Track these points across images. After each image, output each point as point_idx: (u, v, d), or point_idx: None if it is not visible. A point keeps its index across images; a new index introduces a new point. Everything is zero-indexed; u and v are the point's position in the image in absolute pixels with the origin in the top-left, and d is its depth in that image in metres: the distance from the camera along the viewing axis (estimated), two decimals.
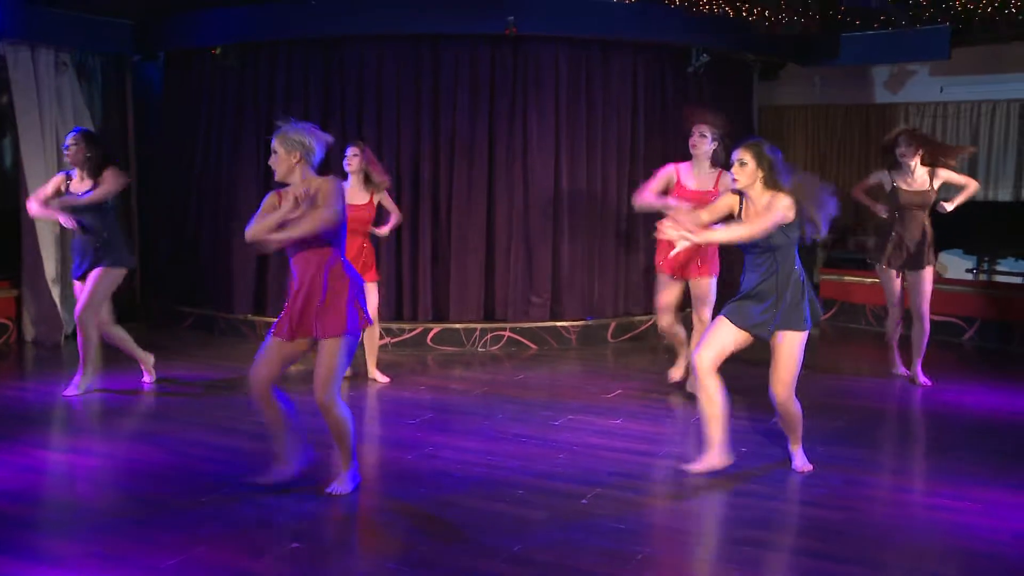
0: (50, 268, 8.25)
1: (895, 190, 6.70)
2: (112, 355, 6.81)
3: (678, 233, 4.45)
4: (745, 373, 6.57)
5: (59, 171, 6.49)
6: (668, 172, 6.23)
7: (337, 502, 4.40)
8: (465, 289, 8.42)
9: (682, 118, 6.50)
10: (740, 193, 4.66)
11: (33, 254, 8.19)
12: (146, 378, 6.68)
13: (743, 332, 4.67)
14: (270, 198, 4.39)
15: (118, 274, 6.34)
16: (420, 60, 8.30)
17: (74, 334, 8.62)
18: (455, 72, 8.30)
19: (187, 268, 9.09)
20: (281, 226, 4.22)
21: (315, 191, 4.25)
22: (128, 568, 3.62)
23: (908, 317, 6.99)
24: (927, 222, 6.70)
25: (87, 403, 6.21)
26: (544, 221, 8.50)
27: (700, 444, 4.89)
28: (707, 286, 6.28)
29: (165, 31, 8.74)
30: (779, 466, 4.94)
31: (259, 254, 8.12)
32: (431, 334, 8.27)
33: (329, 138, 4.48)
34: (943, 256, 9.30)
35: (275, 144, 4.32)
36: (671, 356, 7.02)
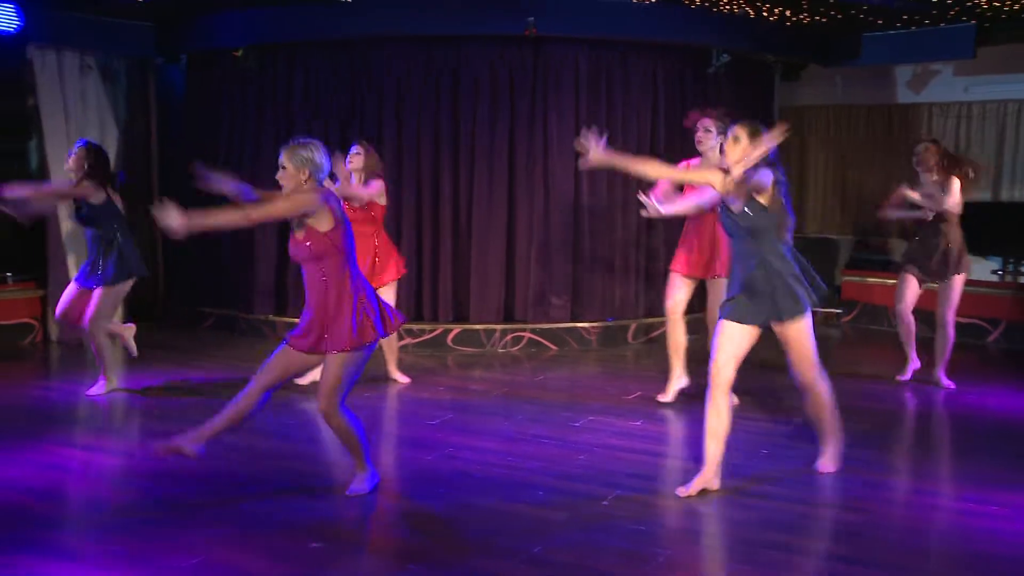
0: (74, 269, 8.31)
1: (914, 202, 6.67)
2: (131, 358, 6.85)
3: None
4: (761, 376, 6.55)
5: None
6: (680, 169, 6.16)
7: (356, 503, 4.41)
8: (485, 290, 8.43)
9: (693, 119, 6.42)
10: (726, 172, 4.54)
11: (58, 255, 8.27)
12: (94, 389, 6.42)
13: (749, 328, 4.50)
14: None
15: (124, 287, 6.34)
16: (439, 61, 8.31)
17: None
18: (475, 74, 8.31)
19: (208, 269, 9.15)
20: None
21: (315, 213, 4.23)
22: (149, 567, 3.65)
23: (925, 319, 6.93)
24: (951, 231, 6.60)
25: (110, 403, 6.26)
26: (564, 222, 8.49)
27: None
28: (723, 287, 6.24)
29: (187, 34, 8.80)
30: (799, 468, 4.91)
31: (283, 256, 8.14)
32: (451, 335, 8.28)
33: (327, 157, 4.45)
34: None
35: (284, 159, 4.29)
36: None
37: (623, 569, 3.72)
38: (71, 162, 6.28)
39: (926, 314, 7.45)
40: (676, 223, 6.68)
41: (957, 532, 4.14)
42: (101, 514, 4.29)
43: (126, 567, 3.67)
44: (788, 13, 8.69)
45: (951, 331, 6.71)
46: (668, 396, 6.30)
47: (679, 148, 8.67)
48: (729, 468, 4.67)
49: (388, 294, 6.58)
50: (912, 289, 6.79)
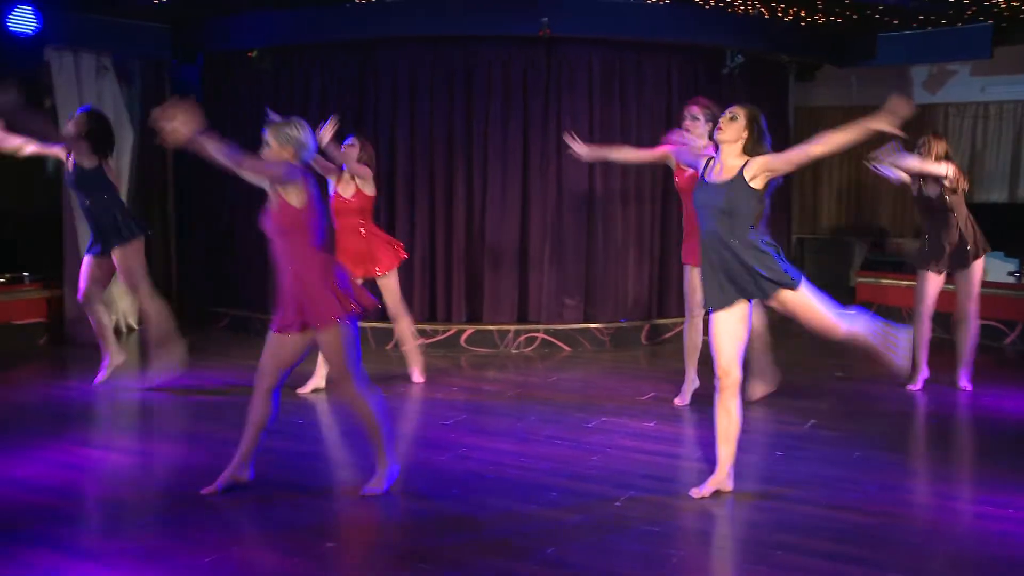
0: None
1: (918, 194, 6.61)
2: (144, 356, 6.88)
3: None
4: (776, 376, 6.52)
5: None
6: (668, 151, 6.05)
7: (370, 503, 4.42)
8: (499, 291, 8.43)
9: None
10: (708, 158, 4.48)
11: (74, 255, 8.31)
12: (102, 375, 6.56)
13: (739, 310, 4.35)
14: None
15: (135, 247, 6.38)
16: (453, 62, 8.33)
17: (114, 333, 8.77)
18: (488, 74, 8.32)
19: (223, 269, 9.18)
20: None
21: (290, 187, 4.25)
22: (164, 565, 3.66)
23: (939, 321, 6.87)
24: (962, 219, 6.50)
25: (126, 402, 6.29)
26: (577, 223, 8.49)
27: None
28: None
29: (203, 35, 8.84)
30: (814, 470, 4.89)
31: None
32: (465, 335, 8.28)
33: (313, 141, 4.47)
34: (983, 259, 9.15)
35: (268, 136, 4.33)
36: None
37: (637, 570, 3.71)
38: (70, 126, 6.33)
39: (942, 316, 7.41)
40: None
41: (974, 535, 4.11)
42: (117, 512, 4.31)
43: (142, 565, 3.68)
44: (803, 13, 8.65)
45: (976, 324, 6.58)
46: (685, 399, 6.27)
47: None
48: (743, 469, 4.66)
49: (390, 284, 6.55)
50: (933, 286, 6.62)
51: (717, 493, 4.47)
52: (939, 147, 6.50)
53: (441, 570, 3.65)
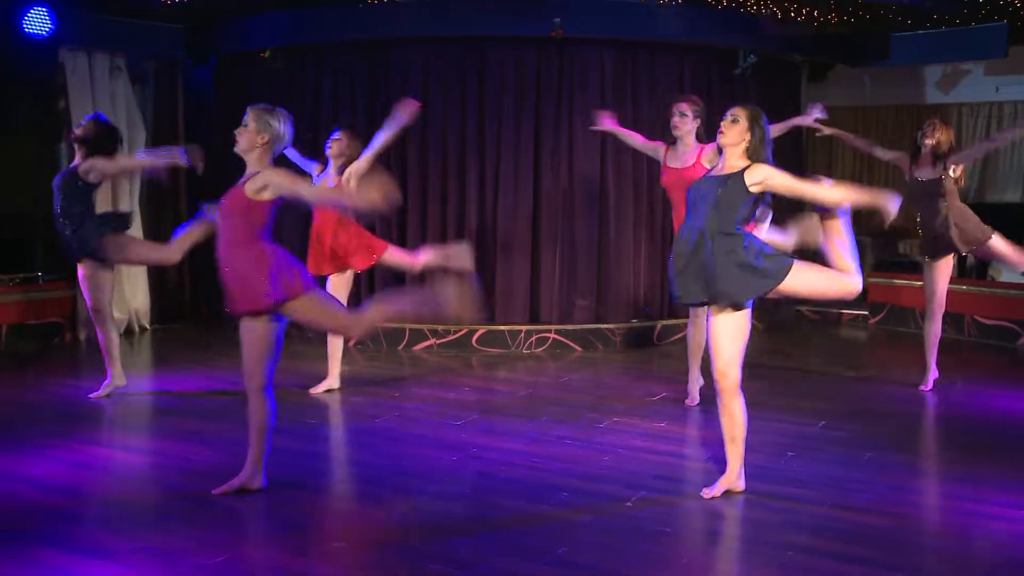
0: None
1: (910, 179, 6.57)
2: (157, 356, 6.92)
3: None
4: (786, 377, 6.51)
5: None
6: (659, 146, 6.18)
7: (383, 503, 4.43)
8: (510, 291, 8.43)
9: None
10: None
11: None
12: (99, 391, 6.35)
13: (739, 313, 4.27)
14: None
15: (120, 240, 6.21)
16: (465, 62, 8.34)
17: (127, 333, 8.82)
18: (500, 74, 8.32)
19: None
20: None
21: (263, 183, 4.25)
22: (175, 564, 3.68)
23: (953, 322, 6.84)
24: (951, 211, 6.36)
25: (138, 402, 6.32)
26: (589, 223, 8.48)
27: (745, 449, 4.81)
28: None
29: (215, 35, 8.88)
30: (825, 471, 4.88)
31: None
32: (476, 336, 8.29)
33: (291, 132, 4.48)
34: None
35: (248, 118, 4.34)
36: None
37: (648, 571, 3.71)
38: (78, 132, 6.18)
39: (954, 316, 7.38)
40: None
41: (985, 537, 4.09)
42: (127, 512, 4.32)
43: (152, 564, 3.70)
44: (816, 13, 8.63)
45: (935, 326, 6.53)
46: (695, 399, 6.26)
47: None
48: (754, 470, 4.65)
49: (342, 283, 6.38)
50: (942, 276, 6.51)
51: (728, 493, 4.46)
52: (943, 134, 6.44)
53: (452, 570, 3.65)
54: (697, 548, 4.07)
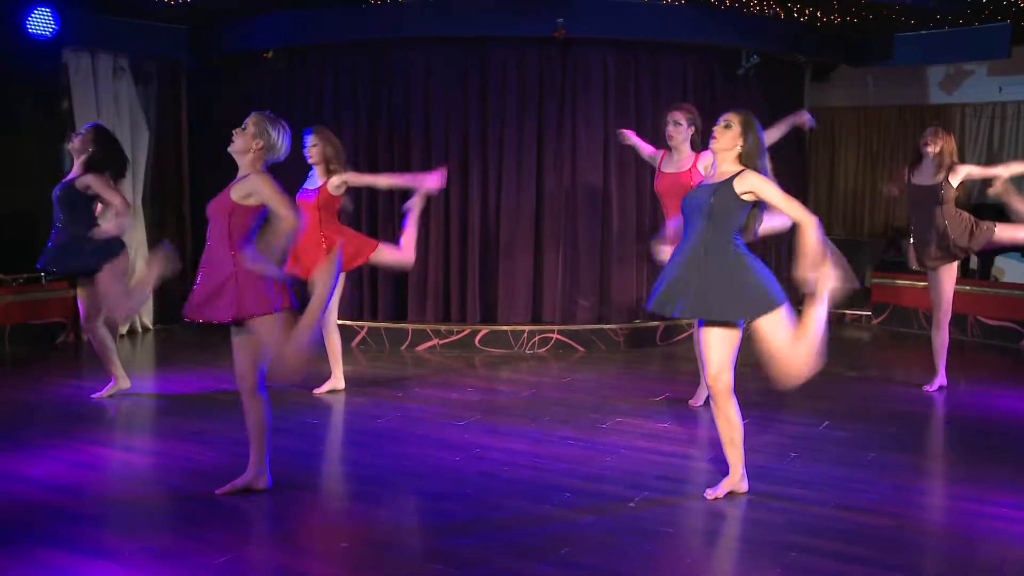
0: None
1: (908, 185, 6.56)
2: (164, 356, 6.92)
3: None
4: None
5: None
6: (655, 154, 6.23)
7: (386, 503, 4.43)
8: (513, 291, 8.44)
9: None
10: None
11: None
12: (103, 392, 6.31)
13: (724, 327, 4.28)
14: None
15: (124, 262, 6.10)
16: (468, 63, 8.34)
17: (129, 333, 8.83)
18: (503, 75, 8.32)
19: None
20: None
21: (249, 190, 4.25)
22: (179, 564, 3.68)
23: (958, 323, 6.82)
24: (946, 218, 6.33)
25: (140, 403, 6.33)
26: (592, 223, 8.48)
27: (747, 449, 4.81)
28: None
29: (218, 36, 8.88)
30: (828, 471, 4.87)
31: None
32: (479, 336, 8.29)
33: (288, 146, 4.46)
34: (1000, 260, 9.11)
35: (249, 121, 4.35)
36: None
37: (650, 572, 3.71)
38: (77, 142, 6.05)
39: (958, 317, 7.36)
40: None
41: (988, 537, 4.09)
42: (131, 512, 4.33)
43: (156, 564, 3.70)
44: (819, 13, 8.63)
45: (942, 335, 6.53)
46: (699, 400, 6.25)
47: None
48: (757, 471, 4.65)
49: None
50: (947, 282, 6.47)
51: (731, 494, 4.46)
52: (946, 142, 6.42)
53: (455, 570, 3.66)
54: (699, 549, 4.07)
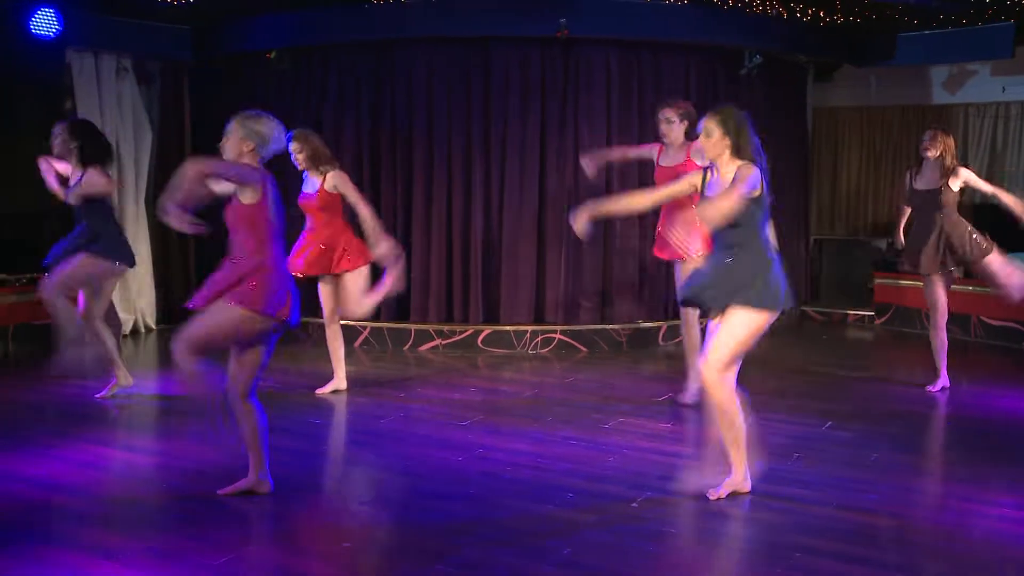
0: None
1: (910, 189, 6.54)
2: (163, 356, 6.91)
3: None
4: (793, 379, 6.50)
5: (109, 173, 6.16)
6: (653, 148, 6.22)
7: (388, 503, 4.43)
8: (516, 291, 8.44)
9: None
10: (704, 169, 4.43)
11: None
12: (105, 392, 6.28)
13: (741, 317, 4.27)
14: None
15: (104, 265, 6.01)
16: (470, 63, 8.34)
17: (132, 333, 8.84)
18: (506, 75, 8.32)
19: None
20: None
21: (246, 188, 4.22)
22: (181, 565, 3.68)
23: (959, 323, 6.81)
24: (946, 224, 6.33)
25: (143, 403, 6.33)
26: (595, 224, 8.45)
27: (754, 450, 4.81)
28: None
29: (222, 36, 8.89)
30: (831, 472, 4.87)
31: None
32: (481, 336, 8.29)
33: (284, 138, 4.44)
34: None
35: (231, 127, 4.31)
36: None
37: (653, 571, 3.71)
38: (55, 147, 5.96)
39: (960, 317, 7.35)
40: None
41: (991, 538, 4.08)
42: (133, 512, 4.33)
43: (158, 564, 3.71)
44: (822, 13, 8.62)
45: (940, 336, 6.52)
46: (687, 398, 6.25)
47: None
48: (760, 471, 4.64)
49: (348, 284, 6.28)
50: (941, 286, 6.48)
51: (734, 494, 4.46)
52: (945, 145, 6.40)
53: (457, 570, 3.66)
54: (702, 549, 4.06)
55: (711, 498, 4.43)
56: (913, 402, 6.45)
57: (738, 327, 4.26)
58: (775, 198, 4.65)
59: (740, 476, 4.47)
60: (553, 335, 8.32)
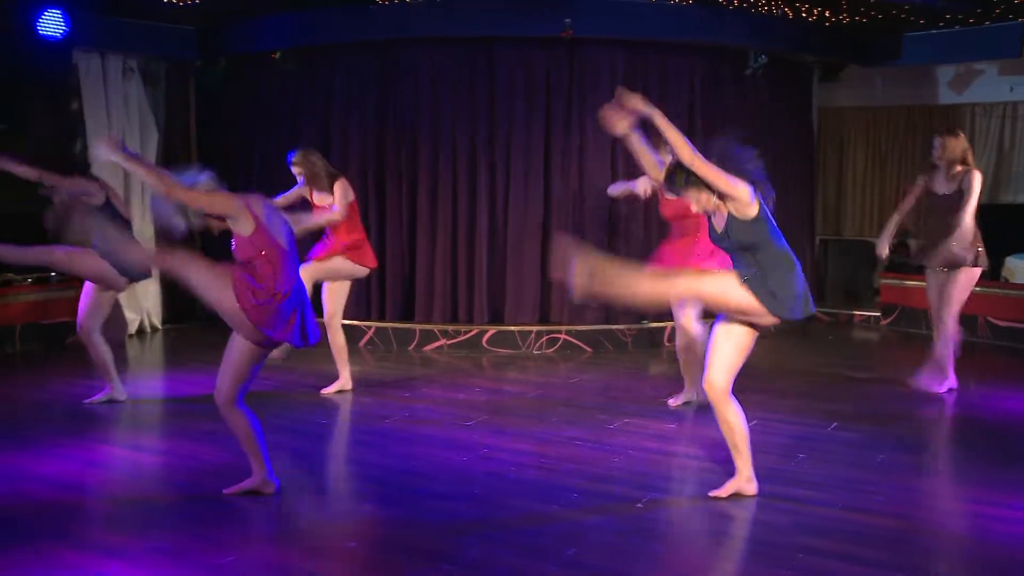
0: None
1: (928, 194, 6.51)
2: (169, 356, 6.94)
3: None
4: (797, 380, 6.49)
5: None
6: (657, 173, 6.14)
7: (393, 503, 4.43)
8: (521, 292, 8.44)
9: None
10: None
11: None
12: (95, 398, 6.23)
13: (744, 328, 4.31)
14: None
15: (102, 265, 5.99)
16: (475, 63, 8.34)
17: (138, 333, 8.86)
18: (510, 75, 8.33)
19: None
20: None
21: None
22: (186, 564, 3.69)
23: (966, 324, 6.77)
24: (957, 227, 6.26)
25: (149, 402, 6.35)
26: (599, 223, 8.48)
27: (756, 451, 4.80)
28: None
29: (227, 36, 8.91)
30: (836, 472, 4.86)
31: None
32: (487, 336, 8.29)
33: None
34: (1011, 261, 9.07)
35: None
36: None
37: (657, 572, 3.71)
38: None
39: (968, 318, 7.33)
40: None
41: (997, 539, 4.07)
42: (139, 511, 4.34)
43: (164, 563, 3.71)
44: (827, 13, 8.61)
45: (951, 330, 6.47)
46: (678, 400, 6.24)
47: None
48: (765, 472, 4.63)
49: (336, 289, 6.42)
50: (931, 286, 6.51)
51: (739, 495, 4.46)
52: (956, 147, 6.37)
53: (462, 570, 3.66)
54: (707, 550, 4.06)
55: (712, 496, 4.43)
56: (919, 403, 6.44)
57: (739, 336, 4.30)
58: (779, 198, 4.61)
59: (743, 478, 4.47)
60: (558, 335, 8.32)
